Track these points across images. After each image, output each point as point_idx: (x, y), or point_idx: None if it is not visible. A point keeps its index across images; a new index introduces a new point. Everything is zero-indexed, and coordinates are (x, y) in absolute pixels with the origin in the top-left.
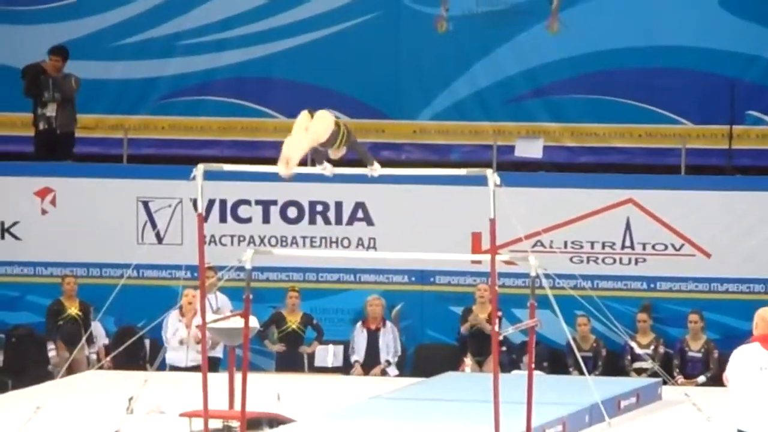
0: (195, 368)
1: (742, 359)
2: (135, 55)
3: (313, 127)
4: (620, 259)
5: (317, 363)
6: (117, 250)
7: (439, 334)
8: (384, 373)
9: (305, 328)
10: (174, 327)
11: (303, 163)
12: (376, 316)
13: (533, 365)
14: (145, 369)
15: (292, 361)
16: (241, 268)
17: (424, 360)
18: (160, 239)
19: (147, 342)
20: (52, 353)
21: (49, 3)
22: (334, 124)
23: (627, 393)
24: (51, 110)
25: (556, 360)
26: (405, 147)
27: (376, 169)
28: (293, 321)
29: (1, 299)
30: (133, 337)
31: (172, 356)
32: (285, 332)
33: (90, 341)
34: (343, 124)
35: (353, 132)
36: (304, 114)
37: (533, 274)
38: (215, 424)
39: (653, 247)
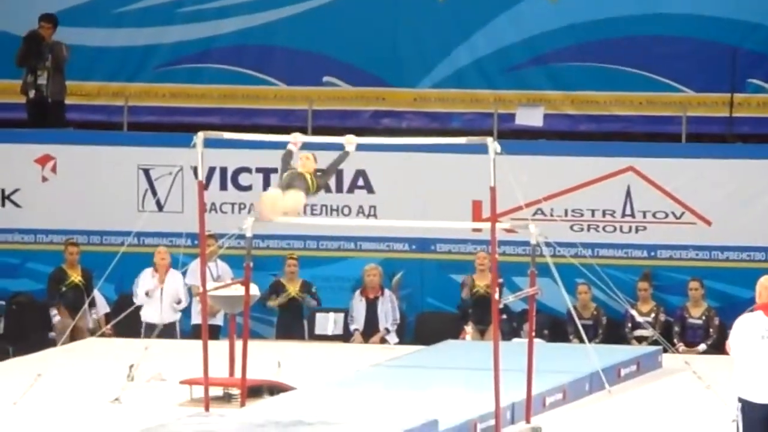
0: (171, 325)
1: (744, 327)
2: (136, 22)
3: (285, 207)
4: (621, 227)
5: (317, 331)
6: (117, 217)
7: (440, 302)
8: (383, 341)
9: (304, 296)
10: (146, 283)
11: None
12: (374, 286)
13: (534, 333)
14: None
15: (292, 328)
16: (241, 236)
17: (424, 328)
18: (160, 207)
19: None
20: (56, 318)
21: None
22: (303, 200)
23: (627, 361)
24: (43, 78)
25: (556, 328)
26: (405, 115)
27: (351, 142)
28: (293, 289)
29: (1, 266)
30: (134, 305)
31: (146, 313)
32: (285, 300)
33: (92, 307)
34: (311, 178)
35: (324, 174)
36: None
37: (534, 242)
38: (216, 391)
39: (654, 215)
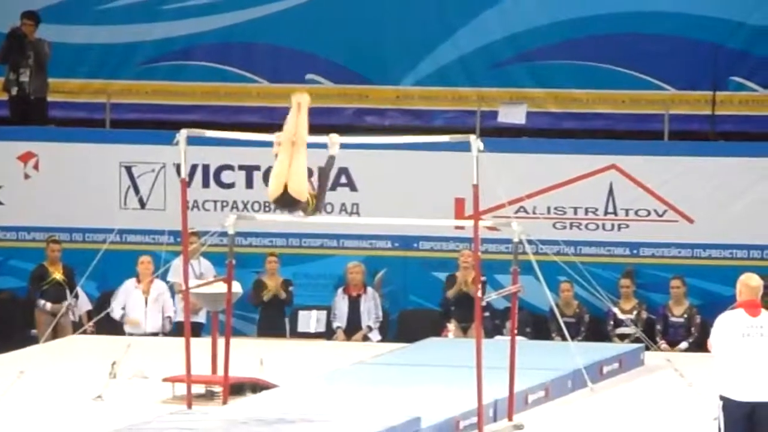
0: (154, 334)
1: (726, 325)
2: (119, 19)
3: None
4: (603, 225)
5: (300, 328)
6: (100, 215)
7: (422, 299)
8: (366, 338)
9: (285, 293)
10: (125, 296)
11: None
12: (357, 283)
13: (516, 331)
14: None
15: (273, 326)
16: (224, 234)
17: (407, 325)
18: (143, 204)
19: None
20: (48, 306)
21: None
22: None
23: (610, 358)
24: (25, 75)
25: (538, 325)
26: (388, 112)
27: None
28: (273, 286)
29: None
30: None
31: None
32: (267, 297)
33: (75, 299)
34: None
35: (319, 193)
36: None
37: (516, 239)
38: (198, 389)
39: (636, 212)
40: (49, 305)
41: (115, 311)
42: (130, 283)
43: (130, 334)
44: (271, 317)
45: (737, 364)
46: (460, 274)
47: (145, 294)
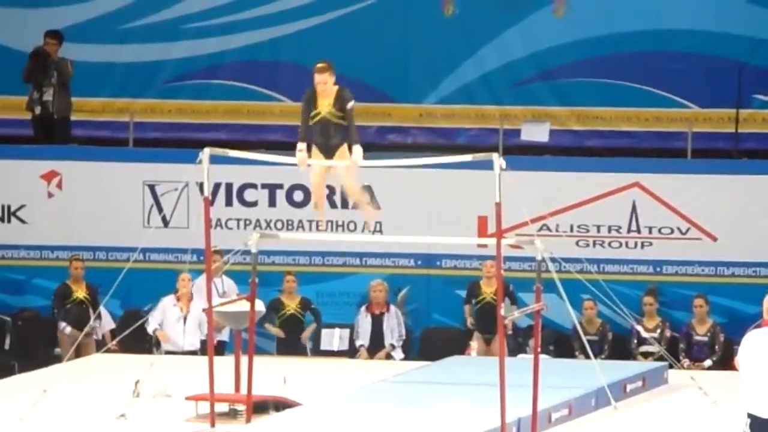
0: (192, 352)
1: (752, 343)
2: (142, 38)
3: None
4: (626, 243)
5: (323, 346)
6: (123, 233)
7: (446, 317)
8: (389, 356)
9: (304, 313)
10: (163, 312)
11: None
12: (380, 301)
13: (539, 349)
14: (150, 352)
15: (292, 345)
16: (247, 252)
17: (430, 343)
18: (166, 223)
19: None
20: (68, 329)
21: None
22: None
23: (633, 377)
24: (48, 94)
25: (562, 344)
26: (411, 131)
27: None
28: (291, 305)
29: (7, 283)
30: (140, 320)
31: (169, 341)
32: (284, 317)
33: (98, 319)
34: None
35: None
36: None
37: (539, 257)
38: (221, 407)
39: (659, 230)
40: (69, 329)
41: (150, 326)
42: (168, 300)
43: (167, 352)
44: (290, 336)
45: (764, 381)
46: (483, 283)
47: (184, 312)
